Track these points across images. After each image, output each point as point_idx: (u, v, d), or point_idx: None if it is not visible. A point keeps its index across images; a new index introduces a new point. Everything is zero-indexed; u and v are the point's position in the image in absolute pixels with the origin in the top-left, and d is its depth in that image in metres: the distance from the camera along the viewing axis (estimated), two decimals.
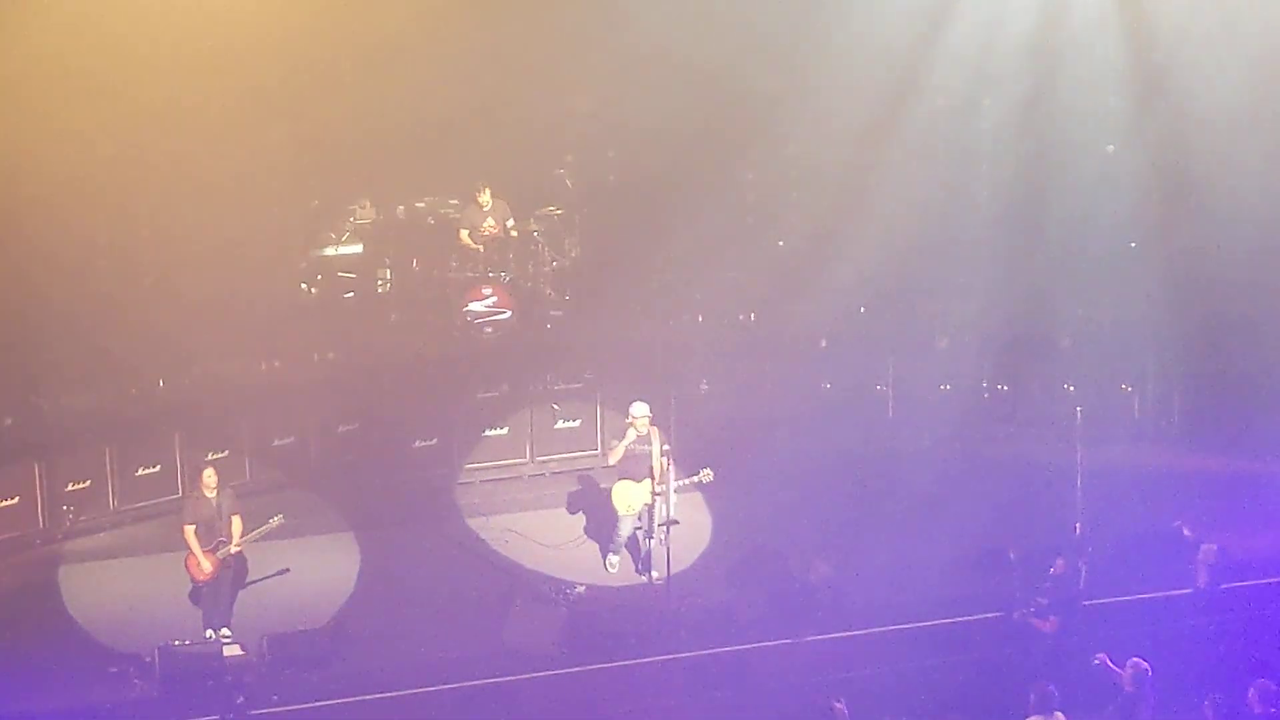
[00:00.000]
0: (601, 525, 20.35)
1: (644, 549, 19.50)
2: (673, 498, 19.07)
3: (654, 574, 19.14)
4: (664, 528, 19.04)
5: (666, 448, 19.24)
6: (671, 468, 19.13)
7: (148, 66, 21.46)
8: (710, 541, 20.49)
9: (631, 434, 19.45)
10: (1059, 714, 15.11)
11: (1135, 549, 19.60)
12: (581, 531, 20.85)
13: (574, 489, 21.83)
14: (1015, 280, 23.34)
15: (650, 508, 19.24)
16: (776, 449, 22.76)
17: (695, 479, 19.28)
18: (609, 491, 19.85)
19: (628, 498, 19.48)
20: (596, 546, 20.35)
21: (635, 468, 19.43)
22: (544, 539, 20.50)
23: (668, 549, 18.92)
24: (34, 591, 19.31)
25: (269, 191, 23.35)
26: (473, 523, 21.25)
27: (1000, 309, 23.43)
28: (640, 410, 19.53)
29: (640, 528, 19.44)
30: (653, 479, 19.18)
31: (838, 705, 15.04)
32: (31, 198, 20.87)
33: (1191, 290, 23.11)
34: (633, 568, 19.76)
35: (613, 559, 19.79)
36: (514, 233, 23.57)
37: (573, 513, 21.36)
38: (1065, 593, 18.19)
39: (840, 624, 18.48)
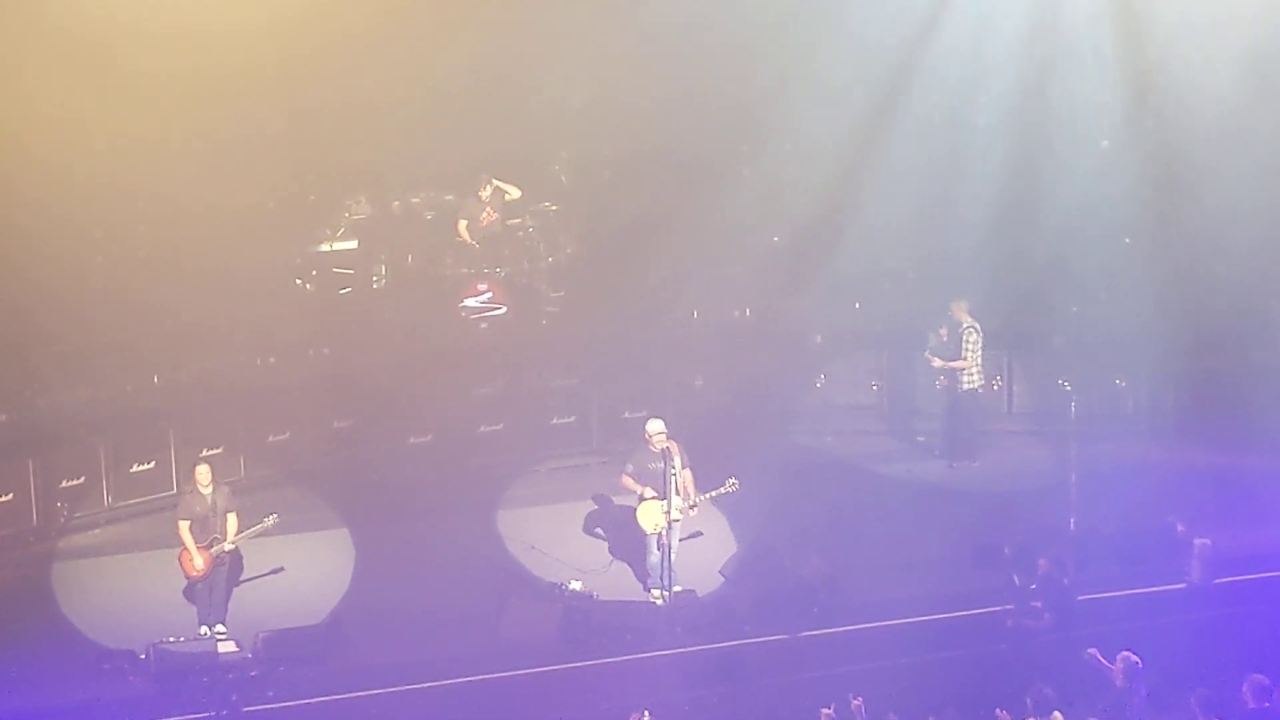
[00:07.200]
0: (630, 547, 19.77)
1: (661, 566, 18.90)
2: (690, 513, 18.95)
3: (671, 590, 18.72)
4: (684, 541, 18.99)
5: (687, 461, 18.90)
6: (693, 482, 18.93)
7: (143, 64, 21.48)
8: (713, 540, 20.39)
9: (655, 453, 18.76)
10: (1056, 714, 15.12)
11: (1129, 544, 19.63)
12: (609, 555, 20.22)
13: (594, 509, 21.14)
14: (1010, 276, 23.35)
15: (677, 524, 18.81)
16: (771, 444, 22.80)
17: (722, 491, 18.94)
18: (633, 511, 19.19)
19: (654, 516, 18.86)
20: (627, 569, 19.81)
21: (657, 485, 18.82)
22: (570, 559, 19.82)
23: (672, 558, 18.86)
24: (28, 588, 19.32)
25: (265, 187, 23.35)
26: (469, 519, 21.22)
27: (995, 305, 23.45)
28: (656, 427, 18.91)
29: (663, 545, 18.79)
30: (680, 495, 18.77)
31: (855, 702, 15.04)
32: (26, 194, 20.88)
33: (1186, 286, 23.12)
34: (647, 583, 19.22)
35: (656, 592, 18.96)
36: (511, 199, 23.58)
37: (592, 532, 20.81)
38: (1056, 590, 18.21)
39: (836, 619, 18.49)
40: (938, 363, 22.40)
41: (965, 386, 22.34)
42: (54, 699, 17.05)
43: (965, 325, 22.28)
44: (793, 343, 23.96)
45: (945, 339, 22.32)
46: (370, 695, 17.29)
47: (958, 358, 22.25)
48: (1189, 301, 22.99)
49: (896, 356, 23.69)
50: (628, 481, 19.08)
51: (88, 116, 21.55)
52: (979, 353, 22.30)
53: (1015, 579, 18.76)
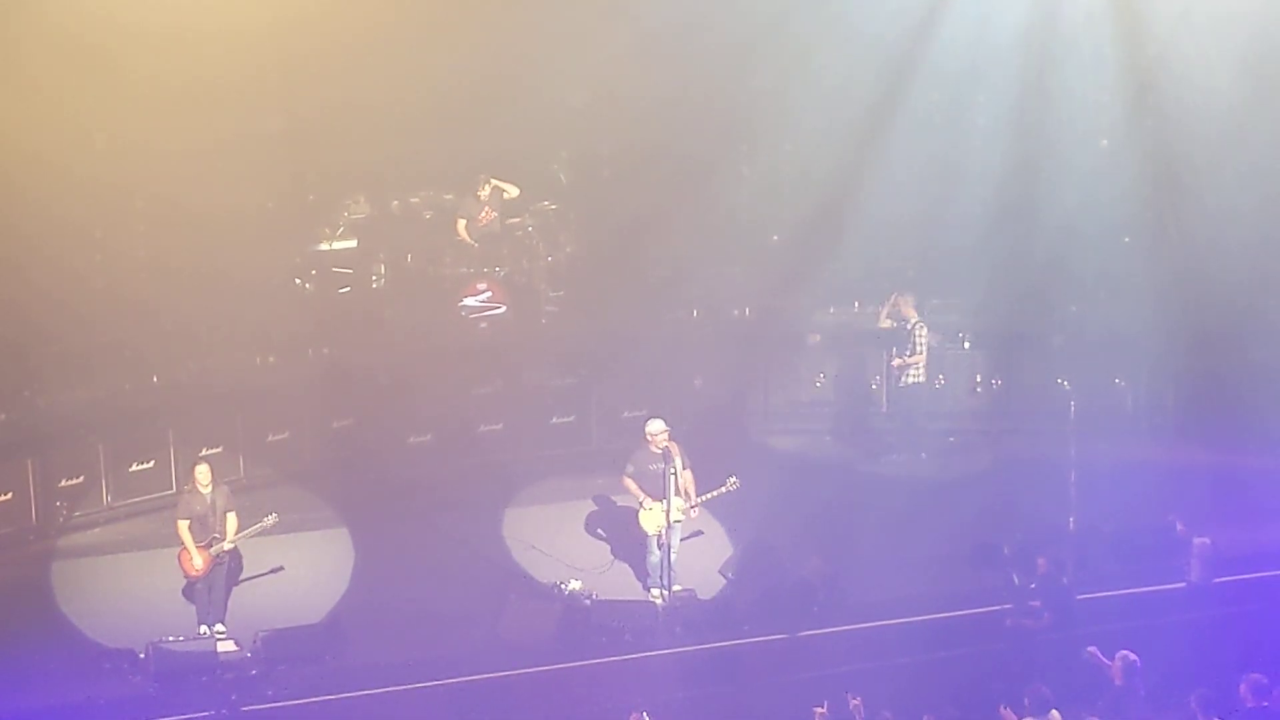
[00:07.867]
0: (630, 546, 19.72)
1: (661, 565, 18.85)
2: (691, 514, 18.93)
3: (671, 590, 18.71)
4: (684, 541, 19.00)
5: (687, 462, 18.86)
6: (694, 482, 18.89)
7: (143, 64, 21.45)
8: (713, 540, 20.38)
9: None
10: (1055, 712, 15.14)
11: (1129, 543, 19.63)
12: (609, 554, 20.18)
13: (594, 509, 21.13)
14: (1009, 275, 23.35)
15: (678, 525, 18.76)
16: (771, 443, 22.79)
17: (722, 490, 18.85)
18: (635, 513, 19.14)
19: (656, 518, 18.79)
20: (626, 569, 19.79)
21: (658, 487, 18.76)
22: (570, 559, 19.78)
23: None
24: (27, 587, 19.30)
25: (265, 187, 23.36)
26: (469, 518, 21.19)
27: (994, 304, 23.46)
28: (656, 427, 18.84)
29: (663, 545, 18.75)
30: (681, 496, 18.72)
31: (854, 702, 15.05)
32: (26, 194, 20.86)
33: (1186, 286, 23.11)
34: (646, 583, 19.18)
35: (655, 591, 18.91)
36: (510, 198, 23.67)
37: (592, 532, 20.80)
38: (1055, 589, 18.21)
39: (835, 619, 18.48)
40: (897, 361, 22.48)
41: (910, 381, 22.46)
42: (53, 698, 17.02)
43: (914, 321, 22.45)
44: (792, 342, 23.97)
45: (892, 328, 22.46)
46: (369, 695, 17.28)
47: (905, 351, 22.44)
48: (1188, 301, 22.99)
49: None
50: (629, 484, 19.04)
51: (88, 116, 21.55)
52: (927, 349, 22.49)
53: (1014, 578, 18.78)
